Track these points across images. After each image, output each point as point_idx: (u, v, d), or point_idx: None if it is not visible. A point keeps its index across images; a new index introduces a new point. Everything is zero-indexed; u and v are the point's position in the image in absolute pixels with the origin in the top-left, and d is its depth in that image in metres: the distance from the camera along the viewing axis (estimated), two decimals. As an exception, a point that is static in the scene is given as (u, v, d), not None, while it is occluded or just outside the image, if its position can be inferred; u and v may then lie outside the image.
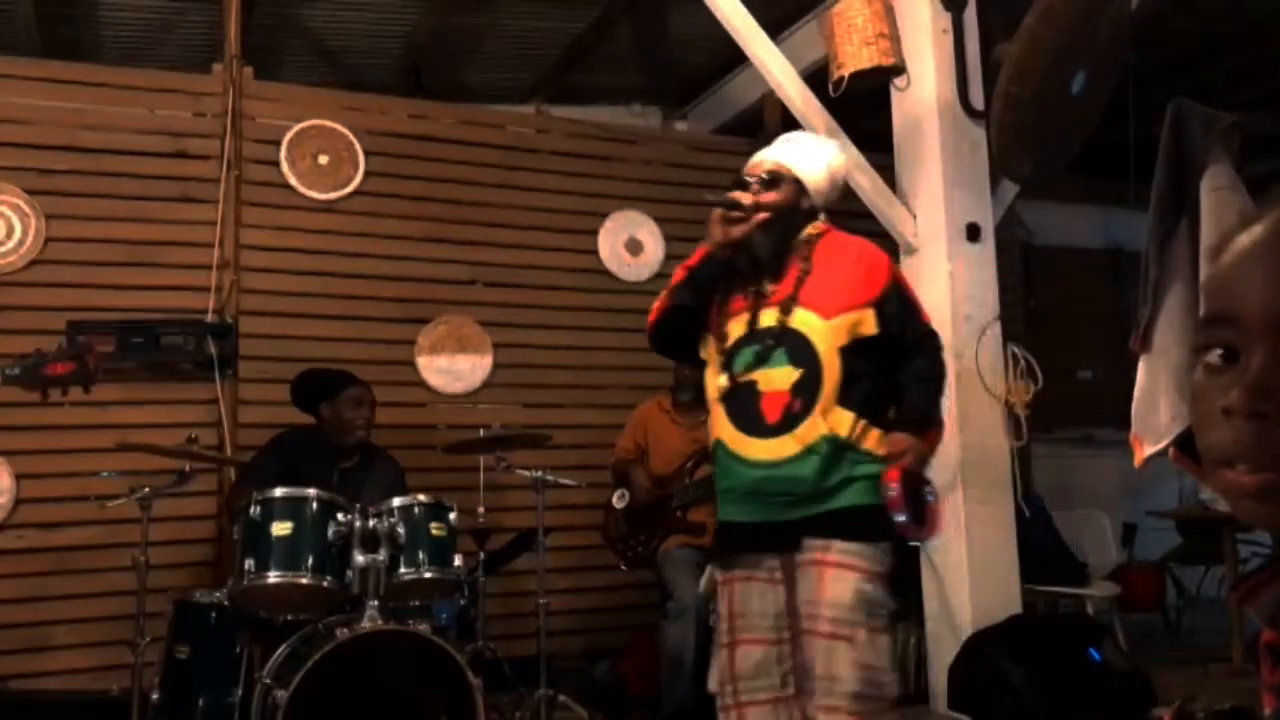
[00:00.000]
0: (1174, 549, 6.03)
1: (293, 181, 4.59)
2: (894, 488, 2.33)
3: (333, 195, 4.66)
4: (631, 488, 4.14)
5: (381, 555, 3.18)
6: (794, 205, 2.55)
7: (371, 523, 3.23)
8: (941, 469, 4.20)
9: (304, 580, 3.15)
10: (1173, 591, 6.14)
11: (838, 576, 2.35)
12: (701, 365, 2.62)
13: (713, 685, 2.49)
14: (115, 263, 4.28)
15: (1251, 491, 0.68)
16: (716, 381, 2.50)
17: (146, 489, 3.44)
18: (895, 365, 2.52)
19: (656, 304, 2.66)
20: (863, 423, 2.42)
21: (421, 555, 3.30)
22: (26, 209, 4.17)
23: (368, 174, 4.72)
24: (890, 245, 4.45)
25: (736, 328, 2.50)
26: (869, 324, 2.46)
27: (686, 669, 3.72)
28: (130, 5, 4.84)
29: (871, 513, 2.37)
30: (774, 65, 4.11)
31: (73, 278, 4.19)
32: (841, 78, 3.90)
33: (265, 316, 4.48)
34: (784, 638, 2.41)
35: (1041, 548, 4.53)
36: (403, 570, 3.26)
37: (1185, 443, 2.93)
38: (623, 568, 4.18)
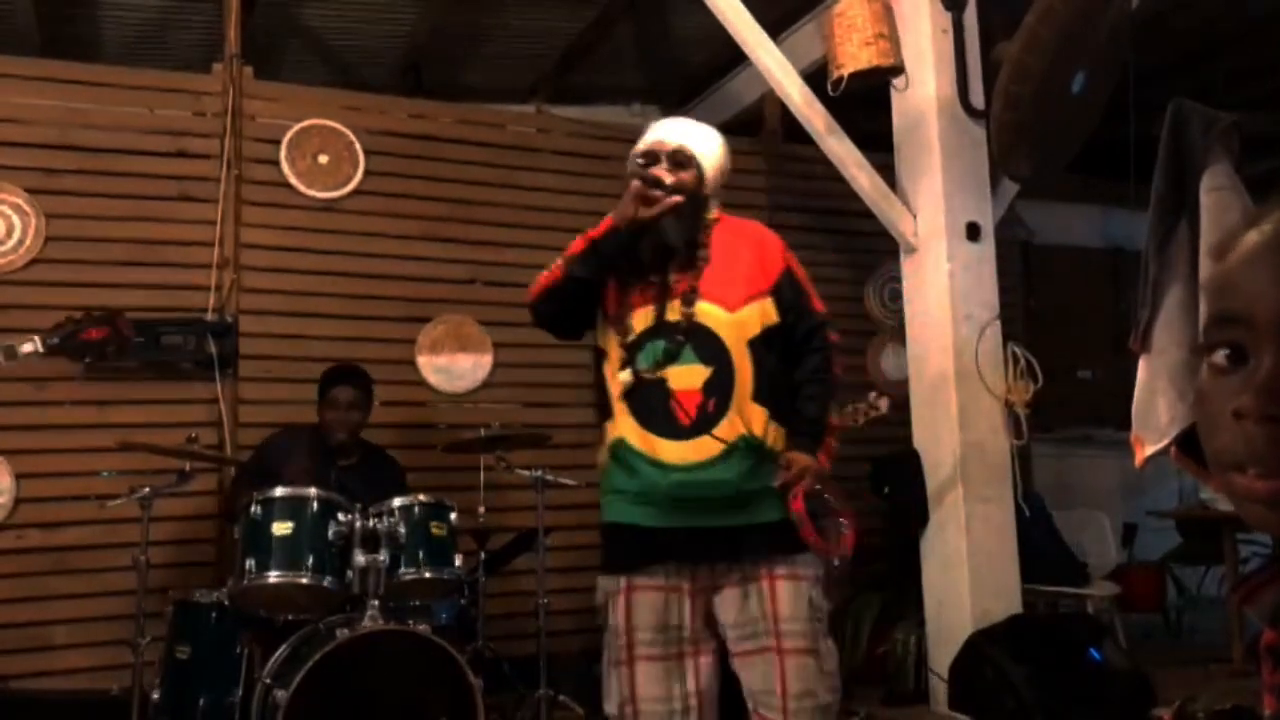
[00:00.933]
0: (1174, 549, 6.03)
1: (293, 181, 4.59)
2: (801, 517, 2.23)
3: (333, 195, 4.66)
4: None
5: (382, 555, 3.18)
6: (700, 190, 2.41)
7: (372, 523, 3.23)
8: (941, 469, 4.22)
9: (304, 580, 3.15)
10: (1173, 591, 6.14)
11: (793, 590, 2.25)
12: (572, 342, 2.50)
13: (611, 708, 2.33)
14: (115, 262, 4.27)
15: (1264, 497, 0.67)
16: (619, 377, 2.31)
17: (147, 489, 3.44)
18: (789, 357, 2.39)
19: (544, 275, 2.46)
20: (774, 423, 2.30)
21: (422, 555, 3.30)
22: (26, 209, 4.17)
23: (368, 173, 4.72)
24: (890, 245, 4.47)
25: (640, 319, 2.33)
26: (770, 313, 2.34)
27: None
28: (130, 5, 4.85)
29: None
30: (774, 65, 4.12)
31: (73, 277, 4.19)
32: (840, 78, 3.90)
33: (265, 316, 4.48)
34: (685, 651, 2.28)
35: (1041, 548, 4.53)
36: (403, 570, 3.27)
37: (1187, 443, 2.93)
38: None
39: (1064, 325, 6.49)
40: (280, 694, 2.92)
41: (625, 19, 5.34)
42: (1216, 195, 2.98)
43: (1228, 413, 0.67)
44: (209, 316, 4.33)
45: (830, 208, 5.28)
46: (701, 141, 2.47)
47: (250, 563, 3.13)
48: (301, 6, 5.02)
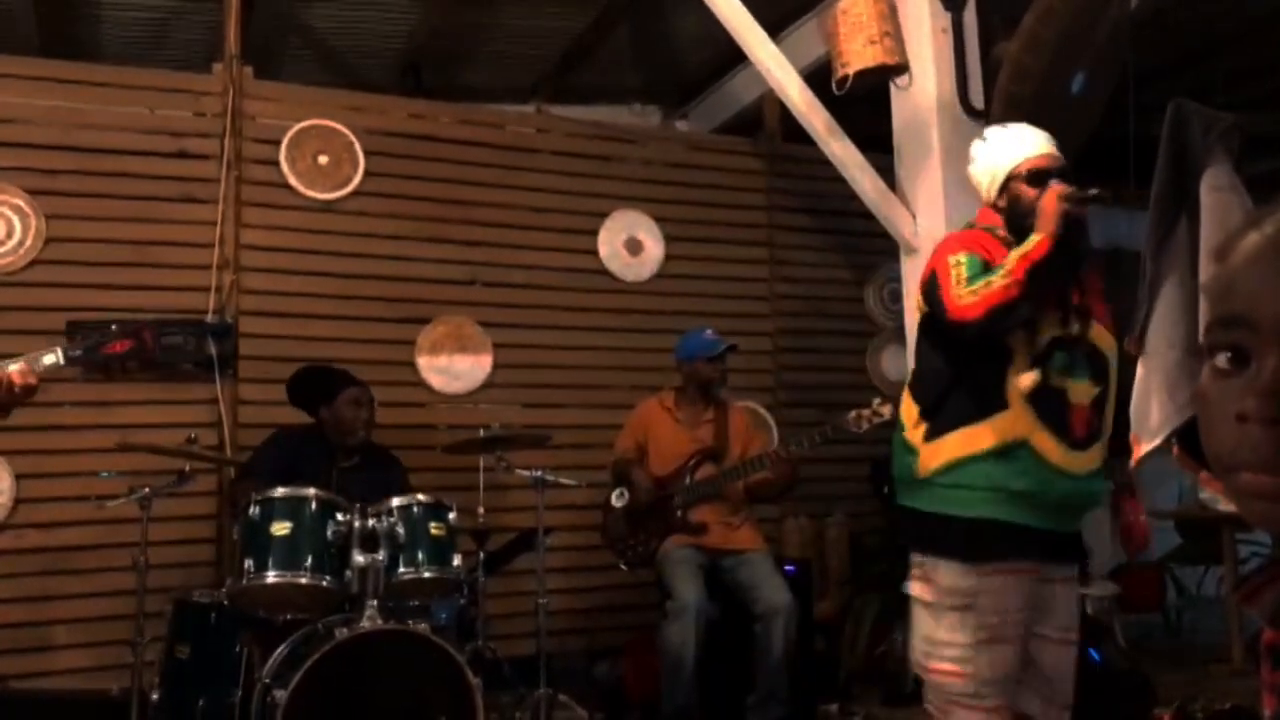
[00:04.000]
0: (1174, 549, 6.03)
1: (293, 181, 4.59)
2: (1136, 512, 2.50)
3: (332, 195, 4.66)
4: (632, 487, 4.14)
5: (381, 555, 3.18)
6: None
7: (371, 522, 3.23)
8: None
9: (303, 580, 3.15)
10: (1172, 591, 6.14)
11: (1074, 591, 2.48)
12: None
13: (970, 687, 2.33)
14: (115, 263, 4.28)
15: (1268, 492, 0.66)
16: (1026, 376, 2.31)
17: (146, 489, 3.44)
18: None
19: (990, 293, 2.26)
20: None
21: (421, 555, 3.30)
22: (26, 209, 4.17)
23: (367, 174, 4.72)
24: (890, 245, 4.46)
25: (1049, 326, 2.34)
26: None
27: (686, 669, 3.72)
28: (130, 5, 4.85)
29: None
30: (774, 65, 4.11)
31: (73, 278, 4.19)
32: (846, 76, 3.89)
33: (265, 316, 4.48)
34: (1021, 635, 2.39)
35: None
36: (402, 570, 3.27)
37: (1189, 442, 2.93)
38: (622, 567, 4.18)
39: (1064, 325, 6.47)
40: (279, 694, 2.92)
41: (625, 19, 5.34)
42: (1217, 196, 2.98)
43: (1230, 415, 0.67)
44: (209, 317, 4.33)
45: (830, 208, 5.28)
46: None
47: (249, 563, 3.13)
48: (301, 6, 5.02)
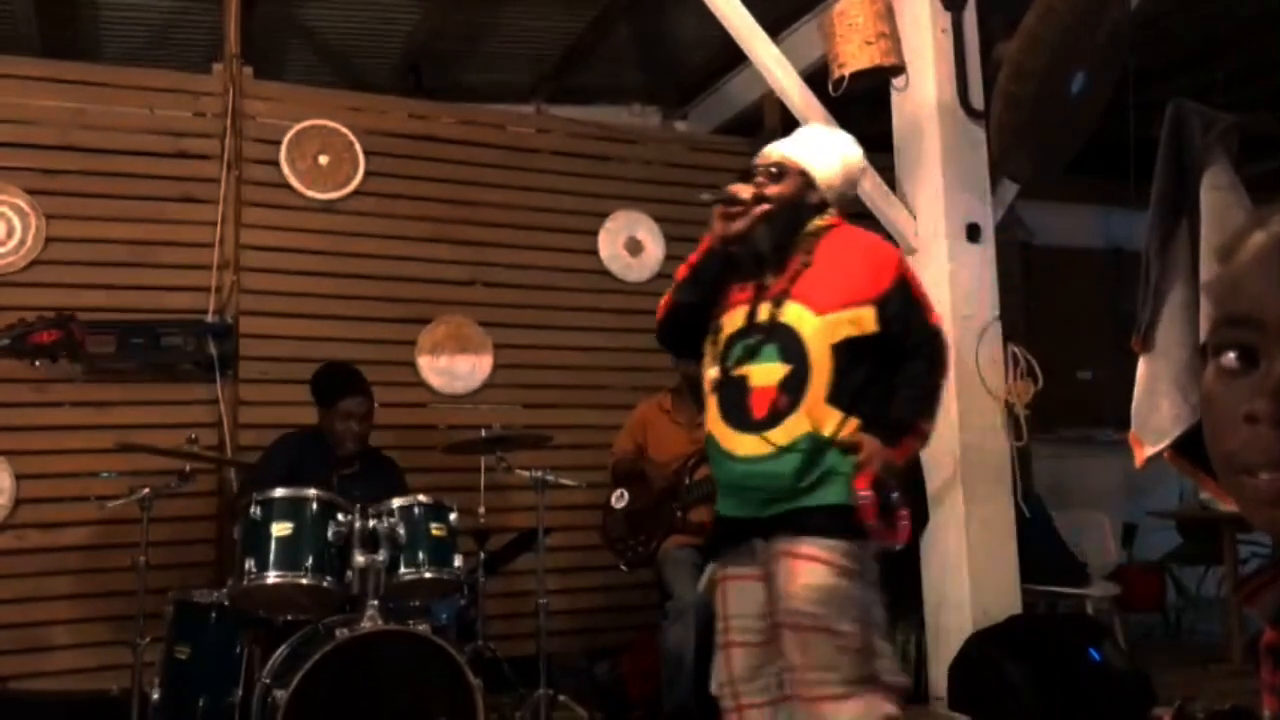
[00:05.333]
0: (1174, 549, 6.03)
1: (293, 181, 4.59)
2: (865, 495, 2.32)
3: (333, 195, 4.66)
4: (636, 487, 4.13)
5: (381, 555, 3.18)
6: (798, 198, 2.52)
7: (371, 523, 3.23)
8: (941, 469, 4.22)
9: (304, 580, 3.15)
10: (1173, 591, 6.14)
11: (810, 569, 2.31)
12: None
13: (714, 687, 2.49)
14: (115, 263, 4.28)
15: (1277, 498, 0.65)
16: (709, 373, 2.49)
17: (146, 489, 3.44)
18: (895, 366, 2.47)
19: (662, 300, 2.64)
20: (850, 423, 2.39)
21: (421, 555, 3.30)
22: (26, 209, 4.17)
23: (368, 174, 4.72)
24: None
25: (733, 320, 2.48)
26: (868, 322, 2.41)
27: (687, 669, 3.72)
28: (130, 5, 4.85)
29: (844, 511, 2.34)
30: (774, 65, 4.11)
31: (73, 278, 4.19)
32: (842, 77, 3.89)
33: (265, 316, 4.48)
34: (771, 638, 2.39)
35: (1041, 548, 4.53)
36: (403, 570, 3.26)
37: (1182, 444, 2.93)
38: (622, 568, 4.18)
39: (1064, 325, 6.49)
40: (280, 694, 2.92)
41: (625, 19, 5.35)
42: (1217, 195, 2.98)
43: (1238, 416, 0.66)
44: (209, 317, 4.33)
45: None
46: (811, 151, 2.58)
47: (250, 563, 3.13)
48: (301, 6, 5.02)
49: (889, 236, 4.55)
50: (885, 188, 4.28)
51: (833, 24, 3.95)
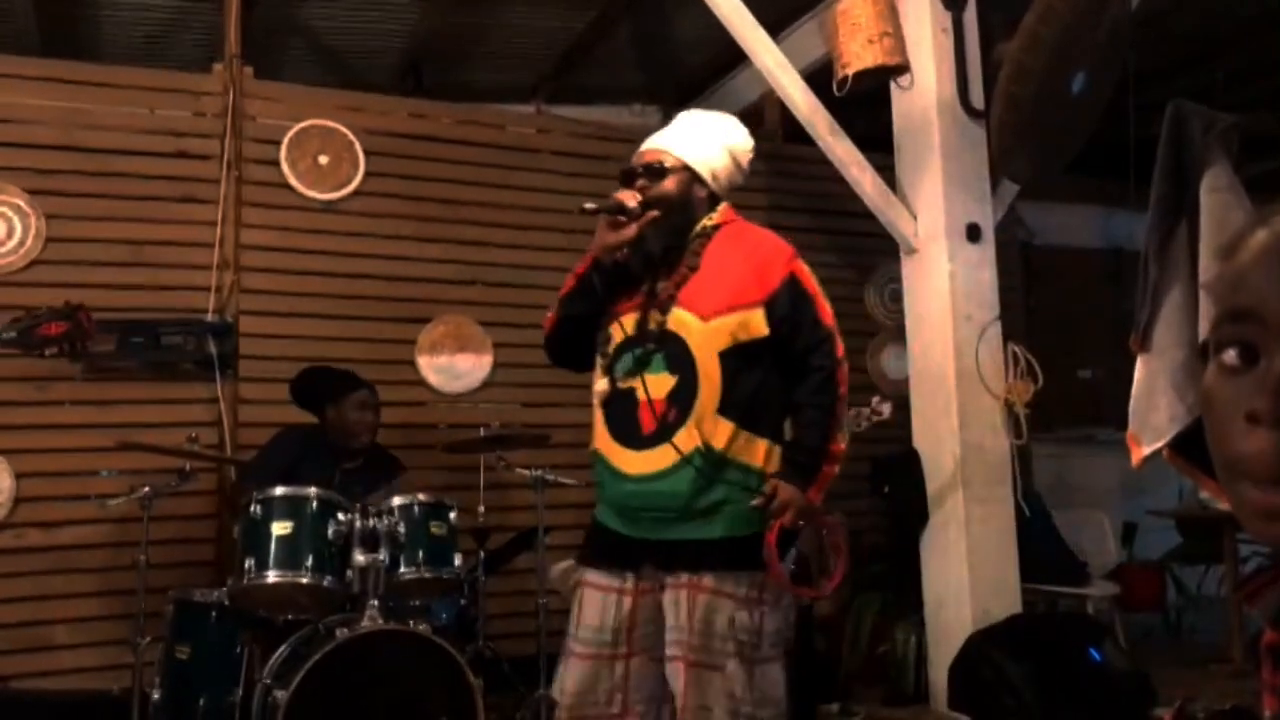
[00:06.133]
0: (1174, 548, 6.03)
1: (293, 181, 4.58)
2: (770, 553, 2.19)
3: (332, 195, 4.65)
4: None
5: (381, 554, 3.18)
6: (685, 196, 2.34)
7: (371, 522, 3.23)
8: (941, 468, 4.22)
9: (304, 580, 3.15)
10: (1173, 591, 6.14)
11: (710, 605, 2.19)
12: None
13: (555, 693, 2.37)
14: (115, 263, 4.27)
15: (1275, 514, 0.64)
16: (597, 387, 2.33)
17: (147, 488, 3.44)
18: (789, 372, 2.31)
19: (548, 315, 2.46)
20: (745, 434, 2.23)
21: (421, 555, 3.30)
22: (26, 209, 4.17)
23: (368, 174, 4.71)
24: (890, 245, 4.47)
25: (620, 329, 2.31)
26: (756, 325, 2.24)
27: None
28: (130, 5, 4.85)
29: (748, 542, 2.21)
30: (774, 65, 4.11)
31: (73, 278, 4.18)
32: (846, 77, 3.89)
33: (265, 316, 4.47)
34: (619, 654, 2.25)
35: (1041, 547, 4.53)
36: (403, 569, 3.26)
37: (1180, 443, 2.93)
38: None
39: (1064, 325, 6.49)
40: (280, 694, 2.92)
41: (625, 19, 5.35)
42: (1217, 196, 2.98)
43: (1239, 416, 0.65)
44: (209, 317, 4.33)
45: (831, 208, 5.28)
46: (689, 144, 2.38)
47: (250, 562, 3.13)
48: (301, 6, 5.02)
49: (878, 239, 4.57)
50: (885, 188, 4.28)
51: (835, 24, 3.95)
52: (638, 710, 2.26)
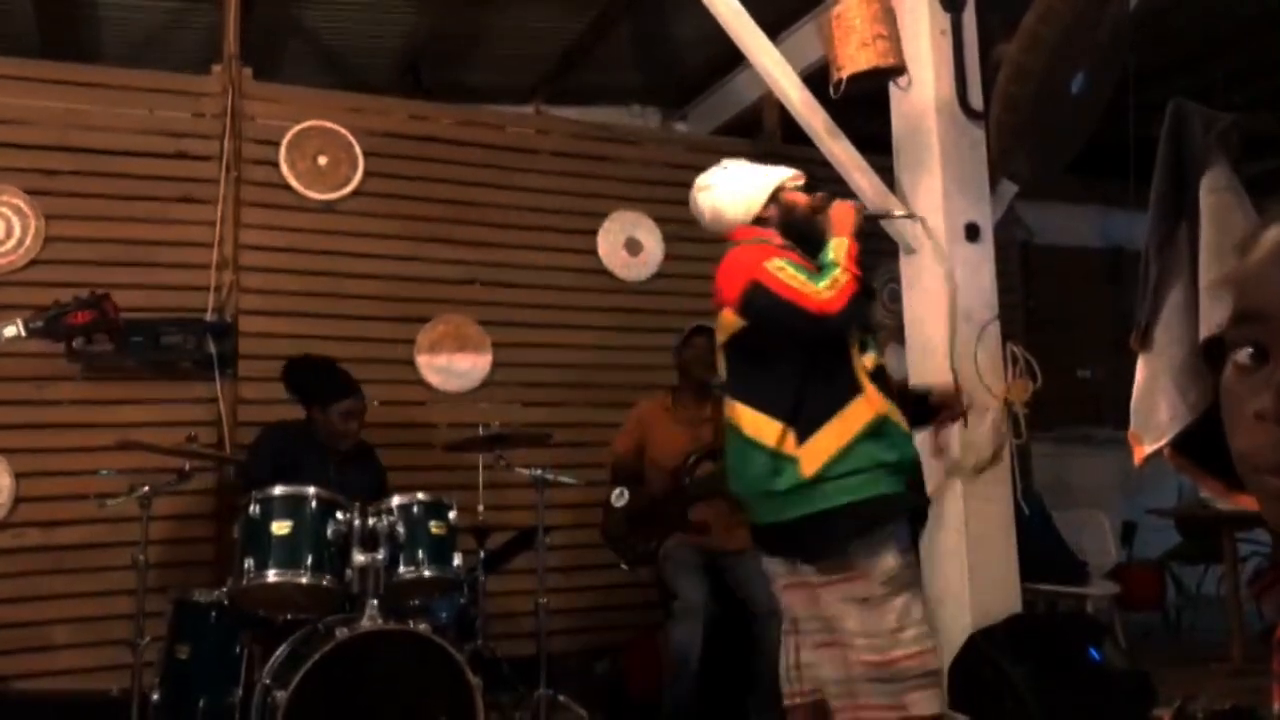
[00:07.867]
0: (1174, 547, 6.03)
1: (292, 182, 4.59)
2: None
3: (332, 195, 4.66)
4: (635, 486, 4.13)
5: (381, 554, 3.18)
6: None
7: (371, 521, 3.23)
8: (941, 468, 4.21)
9: (303, 579, 3.15)
10: (1172, 590, 6.14)
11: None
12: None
13: (934, 663, 2.57)
14: (115, 263, 4.27)
15: None
16: (867, 358, 2.63)
17: (146, 488, 3.44)
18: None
19: (847, 286, 2.68)
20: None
21: (421, 554, 3.30)
22: (26, 209, 4.17)
23: (367, 174, 4.72)
24: (890, 245, 4.47)
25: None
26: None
27: (691, 669, 3.71)
28: (130, 5, 4.85)
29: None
30: (773, 66, 4.11)
31: (72, 278, 4.17)
32: (841, 80, 3.89)
33: (265, 316, 4.48)
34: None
35: (1041, 547, 4.53)
36: (402, 569, 3.27)
37: (1181, 442, 2.93)
38: (623, 566, 4.18)
39: (1064, 325, 6.49)
40: (280, 694, 2.92)
41: (625, 20, 5.35)
42: (1217, 197, 2.98)
43: (1249, 413, 0.66)
44: (208, 317, 4.33)
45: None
46: (718, 207, 2.89)
47: (249, 562, 3.13)
48: (301, 7, 5.02)
49: (877, 239, 4.57)
50: (885, 188, 4.28)
51: (830, 28, 3.95)
52: None
